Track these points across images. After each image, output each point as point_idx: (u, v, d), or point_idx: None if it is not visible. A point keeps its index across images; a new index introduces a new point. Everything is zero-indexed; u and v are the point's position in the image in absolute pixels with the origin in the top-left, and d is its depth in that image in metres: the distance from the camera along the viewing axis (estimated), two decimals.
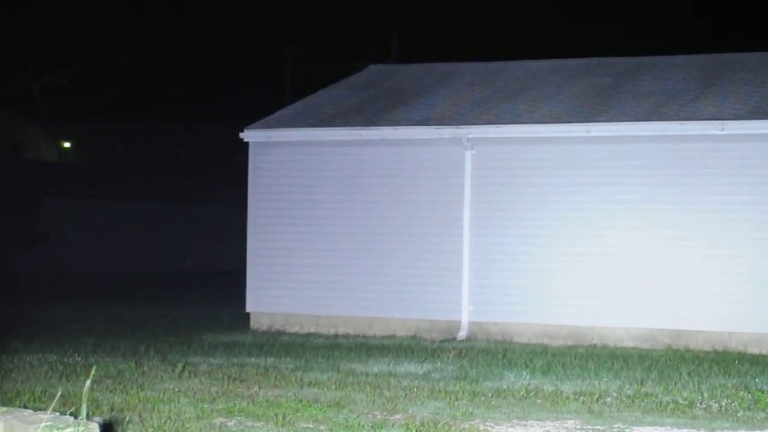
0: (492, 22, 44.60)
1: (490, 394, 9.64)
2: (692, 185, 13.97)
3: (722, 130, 13.87)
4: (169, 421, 7.99)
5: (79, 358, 11.62)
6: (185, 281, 26.34)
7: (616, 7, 44.70)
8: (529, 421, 8.34)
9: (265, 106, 19.53)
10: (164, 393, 9.36)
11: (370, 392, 9.63)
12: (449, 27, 44.16)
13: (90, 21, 40.73)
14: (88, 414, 5.61)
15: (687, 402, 9.35)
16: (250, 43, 43.38)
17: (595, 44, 39.51)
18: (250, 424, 8.02)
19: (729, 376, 10.96)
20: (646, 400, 9.41)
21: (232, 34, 43.25)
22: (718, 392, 9.81)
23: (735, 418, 8.66)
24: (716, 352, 13.09)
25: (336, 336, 14.63)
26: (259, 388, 9.85)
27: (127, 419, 7.87)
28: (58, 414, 5.60)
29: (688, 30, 42.27)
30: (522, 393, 9.74)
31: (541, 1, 45.39)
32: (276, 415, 8.36)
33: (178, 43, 43.25)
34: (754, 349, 13.20)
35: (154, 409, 8.48)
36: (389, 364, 11.66)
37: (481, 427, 8.02)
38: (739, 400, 9.42)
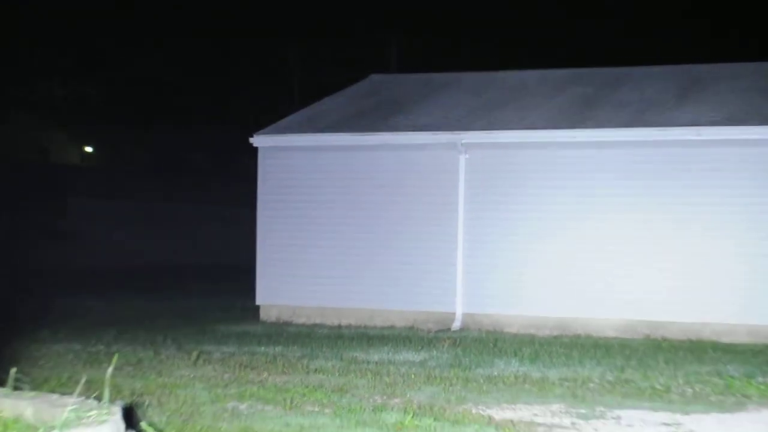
0: (492, 22, 44.23)
1: (481, 380, 9.67)
2: (670, 188, 13.97)
3: (699, 135, 13.88)
4: (185, 404, 8.06)
5: (102, 347, 11.67)
6: (198, 275, 26.33)
7: (615, 7, 44.12)
8: (518, 405, 8.38)
9: (273, 113, 19.55)
10: (181, 379, 9.42)
11: (371, 378, 9.67)
12: (449, 28, 43.74)
13: (109, 32, 40.59)
14: (110, 398, 5.70)
15: (663, 387, 9.38)
16: (259, 52, 43.29)
17: (595, 44, 39.55)
18: (260, 407, 8.08)
19: (702, 363, 10.97)
20: (625, 386, 9.45)
21: (244, 44, 43.03)
22: (693, 378, 9.85)
23: (708, 402, 8.70)
24: (691, 341, 13.08)
25: (339, 327, 14.64)
26: (269, 374, 9.89)
27: (146, 403, 7.93)
28: (83, 398, 5.67)
29: (687, 30, 41.55)
30: (511, 379, 9.79)
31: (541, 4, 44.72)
32: (284, 399, 8.43)
33: (193, 53, 43.20)
34: (725, 339, 13.21)
35: (171, 393, 8.55)
36: (389, 353, 11.68)
37: (474, 411, 8.05)
38: (712, 386, 9.47)
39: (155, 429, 6.34)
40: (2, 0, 31.84)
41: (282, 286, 15.66)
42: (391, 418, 7.63)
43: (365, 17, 42.17)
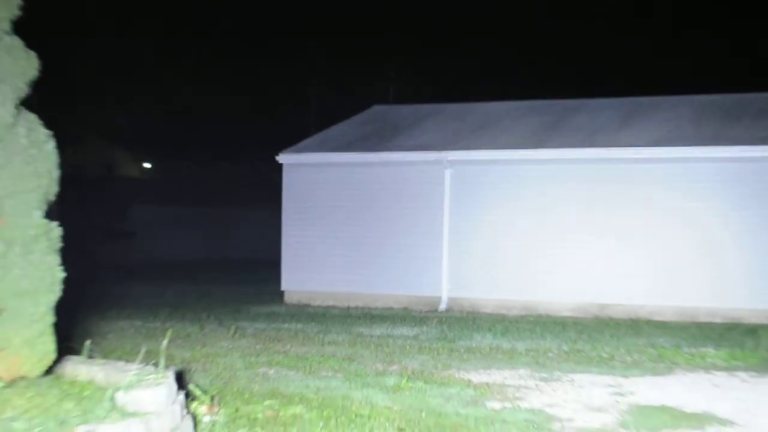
0: (472, 58, 44.14)
1: (462, 351, 9.75)
2: (615, 196, 13.99)
3: (637, 154, 13.93)
4: (224, 370, 8.12)
5: (157, 323, 11.73)
6: (233, 267, 26.35)
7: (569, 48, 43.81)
8: (491, 370, 8.45)
9: (294, 136, 19.58)
10: (221, 349, 9.50)
11: (374, 349, 9.75)
12: (438, 66, 43.75)
13: (160, 69, 40.61)
14: (165, 365, 5.74)
15: (608, 356, 9.46)
16: (284, 86, 43.31)
17: (553, 79, 39.41)
18: (284, 372, 8.14)
19: (639, 337, 11.05)
20: (578, 355, 9.53)
21: (272, 79, 43.00)
22: (631, 349, 9.93)
23: (644, 367, 8.79)
24: (630, 319, 13.13)
25: (348, 308, 14.67)
26: (291, 346, 9.96)
27: (193, 369, 8.00)
28: (143, 365, 5.70)
29: (629, 67, 41.22)
30: (486, 350, 9.87)
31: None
32: (304, 366, 8.50)
33: (231, 87, 43.21)
34: (658, 318, 13.24)
35: (213, 361, 8.63)
36: (388, 329, 11.74)
37: (456, 375, 8.12)
38: (647, 355, 9.56)
39: (201, 390, 6.38)
40: (78, 43, 31.93)
41: (302, 275, 15.69)
42: (390, 381, 7.70)
43: (368, 57, 42.12)
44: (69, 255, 5.32)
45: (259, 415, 6.10)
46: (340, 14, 44.46)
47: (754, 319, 12.83)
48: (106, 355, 7.04)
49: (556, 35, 44.30)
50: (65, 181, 5.35)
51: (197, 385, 6.51)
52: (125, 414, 4.77)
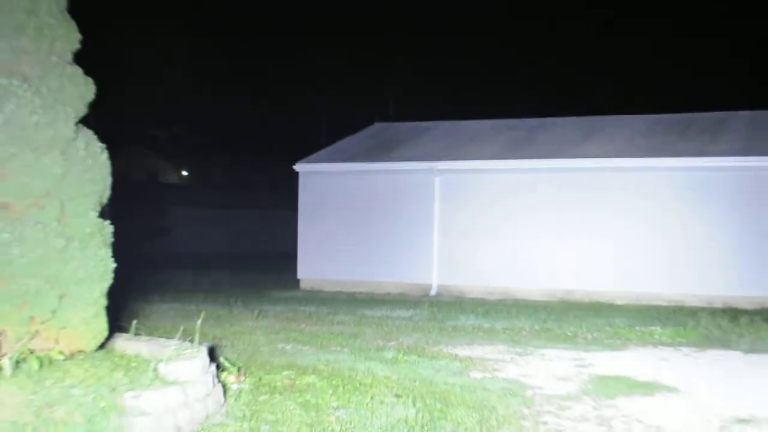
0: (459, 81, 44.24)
1: (450, 329, 9.77)
2: (578, 199, 14.00)
3: (596, 164, 13.96)
4: (249, 346, 8.12)
5: (193, 306, 11.68)
6: (256, 259, 26.35)
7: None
8: (474, 346, 8.48)
9: (308, 148, 19.58)
10: (246, 328, 9.48)
11: (375, 328, 9.77)
12: (431, 88, 43.83)
13: (195, 90, 40.69)
14: (199, 341, 5.76)
15: (572, 334, 9.49)
16: (298, 104, 43.31)
17: (528, 101, 39.52)
18: (299, 347, 8.16)
19: (599, 317, 11.07)
20: (547, 333, 9.57)
21: (287, 98, 43.03)
22: (592, 328, 9.96)
23: (602, 344, 8.82)
24: (592, 303, 13.14)
25: (353, 294, 14.66)
26: (306, 325, 9.97)
27: (223, 345, 7.99)
28: (181, 341, 5.72)
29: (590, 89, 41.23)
30: (470, 328, 9.89)
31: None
32: (316, 342, 8.52)
33: (253, 105, 43.21)
34: (615, 302, 13.26)
35: (240, 338, 8.62)
36: (387, 311, 11.73)
37: (445, 350, 8.14)
38: (605, 333, 9.59)
39: (229, 362, 6.39)
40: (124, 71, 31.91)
41: (314, 266, 15.68)
42: (388, 355, 7.71)
43: (372, 78, 42.13)
44: (119, 249, 5.34)
45: (278, 384, 6.12)
46: (347, 39, 44.45)
47: (695, 303, 12.84)
48: (149, 333, 7.05)
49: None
50: (116, 186, 5.37)
51: (226, 358, 6.54)
52: (166, 383, 4.81)
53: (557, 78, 43.83)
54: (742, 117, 15.92)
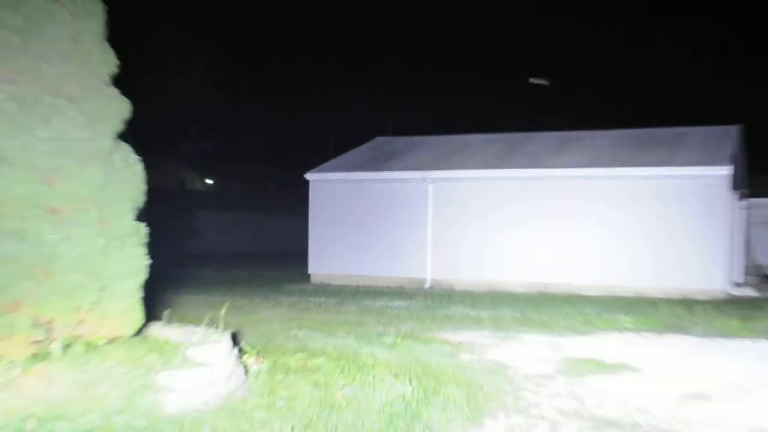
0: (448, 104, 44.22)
1: (442, 318, 9.75)
2: (552, 204, 13.99)
3: (566, 173, 13.96)
4: (266, 332, 8.10)
5: (218, 297, 11.64)
6: (272, 257, 26.34)
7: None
8: (463, 332, 8.47)
9: (318, 159, 19.58)
10: (264, 317, 9.46)
11: (376, 317, 9.74)
12: (425, 108, 43.86)
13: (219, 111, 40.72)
14: (223, 328, 5.76)
15: (548, 321, 9.47)
16: (308, 121, 43.41)
17: (510, 117, 39.45)
18: (310, 333, 8.13)
19: (572, 307, 11.03)
20: (526, 321, 9.54)
21: (300, 115, 43.21)
22: (566, 316, 9.95)
23: (574, 329, 8.79)
24: (566, 294, 13.12)
25: (357, 287, 14.63)
26: (316, 314, 9.94)
27: (244, 331, 7.95)
28: (207, 328, 5.75)
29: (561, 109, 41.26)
30: (459, 317, 9.87)
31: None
32: (325, 328, 8.49)
33: (267, 121, 43.23)
34: (585, 293, 13.24)
35: (258, 325, 8.59)
36: (386, 302, 11.71)
37: (437, 335, 8.12)
38: (577, 320, 9.56)
39: (249, 346, 6.40)
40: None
41: (323, 262, 15.65)
42: (388, 340, 7.70)
43: (374, 98, 42.20)
44: (152, 247, 5.34)
45: (292, 365, 6.11)
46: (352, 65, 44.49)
47: (655, 294, 12.84)
48: (179, 321, 7.06)
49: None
50: (150, 193, 5.38)
51: (247, 343, 6.55)
52: (194, 364, 4.82)
53: (536, 98, 43.89)
54: (698, 131, 15.93)
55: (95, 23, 5.00)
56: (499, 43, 45.74)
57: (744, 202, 16.73)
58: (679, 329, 8.81)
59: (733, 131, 15.49)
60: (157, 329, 5.65)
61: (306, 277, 15.92)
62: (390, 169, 15.62)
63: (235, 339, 5.87)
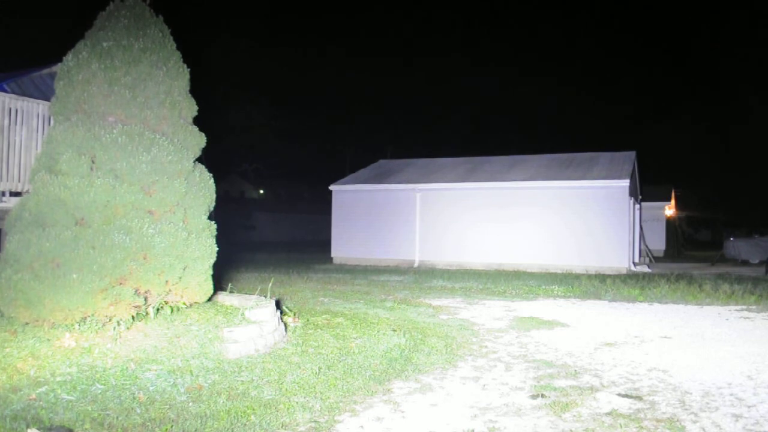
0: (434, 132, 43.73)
1: (426, 288, 9.66)
2: (505, 206, 13.89)
3: (516, 186, 13.89)
4: (301, 300, 8.00)
5: (266, 274, 11.52)
6: (306, 245, 26.24)
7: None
8: (442, 298, 8.39)
9: (338, 174, 19.49)
10: (299, 288, 9.35)
11: (380, 287, 9.65)
12: (419, 135, 43.26)
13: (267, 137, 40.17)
14: (269, 296, 5.71)
15: (503, 291, 9.39)
16: (330, 146, 42.79)
17: (478, 142, 39.06)
18: (333, 300, 8.03)
19: (519, 280, 10.92)
20: (486, 290, 9.45)
21: (320, 141, 42.55)
22: (515, 287, 9.85)
23: (522, 297, 8.72)
24: (515, 271, 13.02)
25: (366, 266, 14.52)
26: (336, 286, 9.84)
27: (284, 298, 7.88)
28: (258, 296, 5.69)
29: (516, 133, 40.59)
30: (439, 287, 9.78)
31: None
32: (343, 296, 8.40)
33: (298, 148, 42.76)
34: (529, 270, 13.16)
35: (295, 294, 8.50)
36: (387, 277, 11.59)
37: (423, 301, 8.05)
38: (523, 290, 9.48)
39: (289, 309, 6.35)
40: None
41: (342, 248, 15.54)
42: (388, 304, 7.63)
43: (377, 132, 41.76)
44: (220, 239, 5.30)
45: (319, 323, 6.06)
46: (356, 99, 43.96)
47: (578, 271, 12.78)
48: (239, 291, 7.03)
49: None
50: (218, 200, 5.33)
51: (287, 307, 6.49)
52: (249, 322, 4.79)
53: (492, 128, 43.68)
54: (606, 155, 15.86)
55: (183, 81, 4.99)
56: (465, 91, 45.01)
57: (638, 205, 16.68)
58: (596, 296, 8.76)
59: (631, 155, 15.45)
60: (222, 297, 5.61)
61: (329, 259, 15.84)
62: (389, 182, 15.53)
63: (278, 304, 5.84)
